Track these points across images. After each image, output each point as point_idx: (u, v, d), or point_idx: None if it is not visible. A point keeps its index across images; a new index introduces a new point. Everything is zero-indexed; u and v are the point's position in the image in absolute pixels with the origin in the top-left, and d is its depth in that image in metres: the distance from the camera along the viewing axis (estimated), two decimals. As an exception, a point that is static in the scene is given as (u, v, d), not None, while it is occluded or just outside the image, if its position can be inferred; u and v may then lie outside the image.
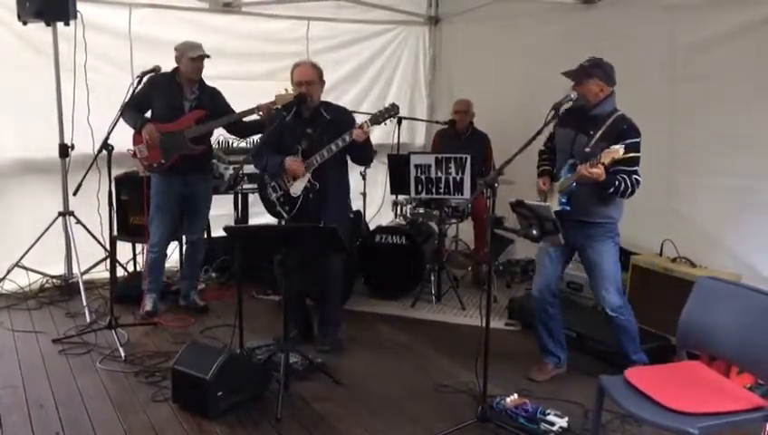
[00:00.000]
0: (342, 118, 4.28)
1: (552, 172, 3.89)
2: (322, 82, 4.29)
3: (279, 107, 4.30)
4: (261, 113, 4.70)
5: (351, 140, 4.06)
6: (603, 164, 3.41)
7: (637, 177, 3.57)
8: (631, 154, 3.51)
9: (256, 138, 5.18)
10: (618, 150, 3.38)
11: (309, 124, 4.23)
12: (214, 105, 4.79)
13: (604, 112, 3.65)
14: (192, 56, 4.63)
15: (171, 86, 4.70)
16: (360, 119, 4.24)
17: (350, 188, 4.51)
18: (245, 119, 4.81)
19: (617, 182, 3.52)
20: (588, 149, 3.60)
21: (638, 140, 3.56)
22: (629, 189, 3.56)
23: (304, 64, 4.28)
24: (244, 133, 5.09)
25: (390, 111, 4.14)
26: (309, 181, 4.19)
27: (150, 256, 4.92)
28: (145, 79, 4.51)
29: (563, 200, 3.70)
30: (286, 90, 4.66)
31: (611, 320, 3.81)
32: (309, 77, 4.19)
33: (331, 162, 4.19)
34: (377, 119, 4.12)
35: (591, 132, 3.64)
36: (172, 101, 4.71)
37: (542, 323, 4.02)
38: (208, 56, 4.70)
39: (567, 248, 3.89)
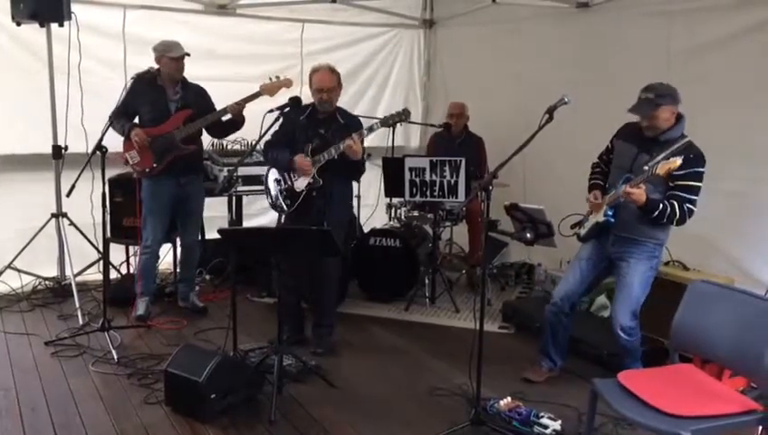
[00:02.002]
0: (355, 125, 4.28)
1: (604, 187, 3.82)
2: (341, 86, 4.32)
3: (276, 108, 4.27)
4: (234, 111, 4.65)
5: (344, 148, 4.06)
6: (658, 175, 3.33)
7: (690, 205, 3.46)
8: (692, 182, 3.45)
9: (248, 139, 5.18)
10: (675, 161, 3.27)
11: (323, 125, 4.26)
12: (199, 102, 4.76)
13: (672, 137, 3.55)
14: (173, 56, 4.59)
15: (154, 88, 4.65)
16: (367, 123, 4.29)
17: (353, 195, 4.53)
18: (223, 118, 4.75)
19: (661, 206, 3.43)
20: (646, 168, 3.48)
21: (701, 170, 3.47)
22: (677, 216, 3.45)
23: (323, 70, 4.26)
24: (221, 133, 5.01)
25: (402, 115, 4.26)
26: (313, 177, 4.20)
27: (143, 257, 4.90)
28: (128, 84, 4.50)
29: (609, 213, 3.65)
30: (270, 78, 4.65)
31: (617, 339, 3.73)
32: (330, 84, 4.21)
33: (340, 166, 4.19)
34: (387, 121, 4.24)
35: (654, 153, 3.53)
36: (157, 103, 4.67)
37: (550, 329, 3.99)
38: (188, 54, 4.66)
39: (603, 264, 3.83)
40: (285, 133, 4.29)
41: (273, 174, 4.37)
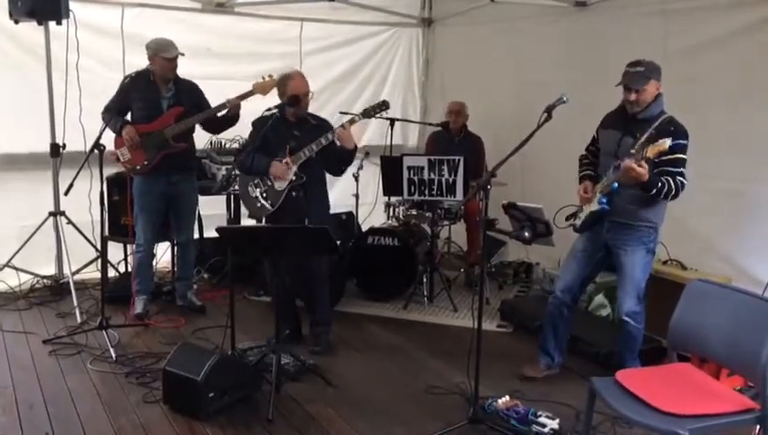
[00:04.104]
0: (325, 126, 4.34)
1: (593, 177, 3.83)
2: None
3: (273, 109, 4.28)
4: (227, 107, 4.66)
5: (332, 139, 4.12)
6: (649, 159, 3.35)
7: (682, 178, 3.51)
8: (678, 155, 3.49)
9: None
10: (664, 143, 3.30)
11: (295, 127, 4.28)
12: (192, 100, 4.74)
13: (653, 115, 3.59)
14: (167, 57, 4.56)
15: (147, 85, 4.65)
16: (347, 118, 4.31)
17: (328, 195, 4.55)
18: (219, 114, 4.74)
19: (660, 184, 3.47)
20: (633, 151, 3.52)
21: (685, 142, 3.52)
22: (673, 191, 3.50)
23: (299, 77, 4.30)
24: (218, 129, 5.02)
25: (382, 107, 4.24)
26: (295, 174, 4.21)
27: (136, 255, 4.89)
28: (126, 81, 4.51)
29: (603, 200, 3.66)
30: (263, 78, 4.66)
31: (622, 325, 3.77)
32: (306, 89, 4.26)
33: (315, 163, 4.22)
34: (368, 112, 4.23)
35: (638, 135, 3.56)
36: (149, 100, 4.66)
37: (550, 323, 4.00)
38: (182, 54, 4.64)
39: (599, 253, 3.85)
40: (258, 138, 4.25)
41: (247, 179, 4.36)
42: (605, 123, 3.85)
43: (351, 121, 4.18)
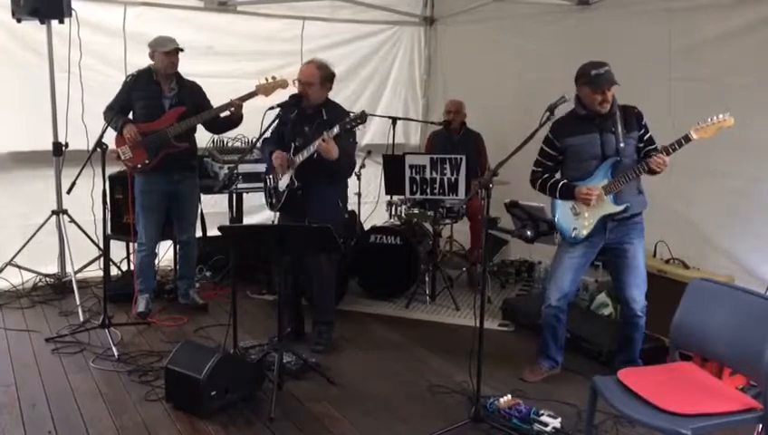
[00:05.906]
0: (337, 120, 4.12)
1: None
2: (326, 84, 4.22)
3: (276, 105, 4.28)
4: (232, 109, 4.67)
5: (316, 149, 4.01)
6: (695, 138, 3.50)
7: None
8: (650, 132, 3.73)
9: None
10: (728, 119, 3.43)
11: (307, 122, 4.23)
12: (194, 100, 4.74)
13: (615, 108, 3.72)
14: (164, 51, 4.56)
15: (150, 84, 4.66)
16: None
17: (346, 189, 4.49)
18: (222, 115, 4.74)
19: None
20: (622, 145, 3.66)
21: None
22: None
23: (309, 63, 4.27)
24: (221, 129, 5.04)
25: (358, 119, 4.03)
26: (290, 179, 4.20)
27: (139, 255, 4.90)
28: (125, 80, 4.51)
29: (612, 198, 3.70)
30: (267, 79, 4.66)
31: (634, 320, 3.81)
32: (307, 77, 4.17)
33: (318, 165, 4.10)
34: (344, 126, 4.02)
35: (613, 129, 3.69)
36: (152, 99, 4.66)
37: (549, 330, 4.01)
38: (182, 49, 4.63)
39: (594, 255, 3.90)
40: (278, 131, 4.30)
41: (267, 174, 4.40)
42: (568, 132, 3.78)
43: (328, 134, 4.00)
